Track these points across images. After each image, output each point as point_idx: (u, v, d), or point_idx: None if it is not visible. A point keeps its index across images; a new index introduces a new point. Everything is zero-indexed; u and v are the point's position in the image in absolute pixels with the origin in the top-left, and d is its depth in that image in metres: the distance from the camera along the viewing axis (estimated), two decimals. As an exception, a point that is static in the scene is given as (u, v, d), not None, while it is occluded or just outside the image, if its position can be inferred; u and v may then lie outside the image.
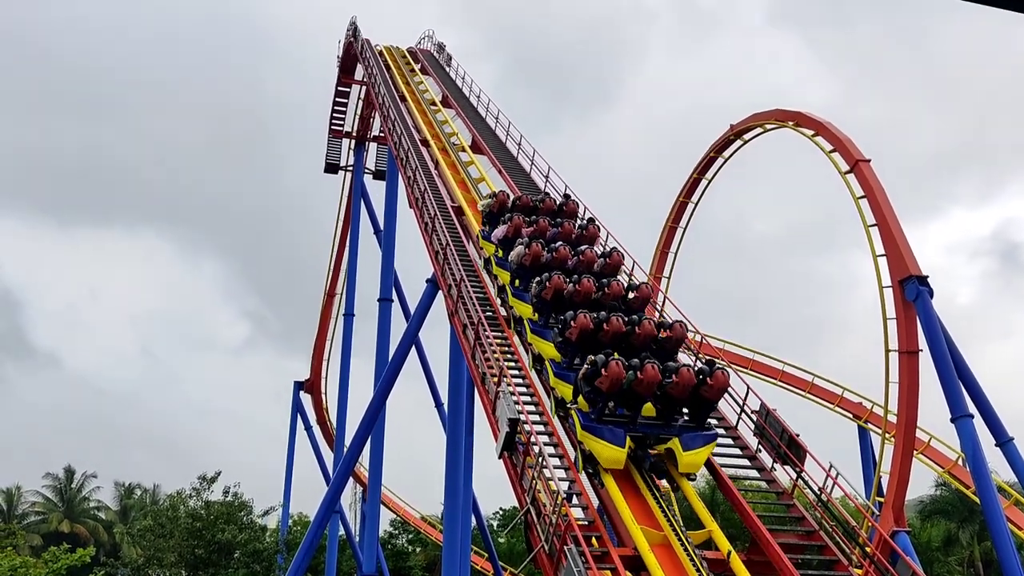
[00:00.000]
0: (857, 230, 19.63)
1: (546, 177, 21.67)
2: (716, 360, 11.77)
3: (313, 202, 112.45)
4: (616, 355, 10.82)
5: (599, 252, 14.81)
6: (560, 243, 14.59)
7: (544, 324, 13.23)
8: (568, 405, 11.58)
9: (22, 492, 51.98)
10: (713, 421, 11.79)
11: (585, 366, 11.12)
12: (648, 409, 11.13)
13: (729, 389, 11.55)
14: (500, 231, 15.84)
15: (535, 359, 13.32)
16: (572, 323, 11.89)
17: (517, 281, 14.67)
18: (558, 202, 17.01)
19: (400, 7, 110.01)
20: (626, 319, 11.84)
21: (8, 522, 45.57)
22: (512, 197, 17.35)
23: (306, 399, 43.69)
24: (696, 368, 11.09)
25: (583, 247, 14.64)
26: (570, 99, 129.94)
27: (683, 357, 12.61)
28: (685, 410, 11.22)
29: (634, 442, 10.85)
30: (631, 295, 13.33)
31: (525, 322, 13.83)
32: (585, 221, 16.24)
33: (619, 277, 14.25)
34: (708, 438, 11.06)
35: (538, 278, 13.51)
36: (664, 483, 11.12)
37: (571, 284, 13.02)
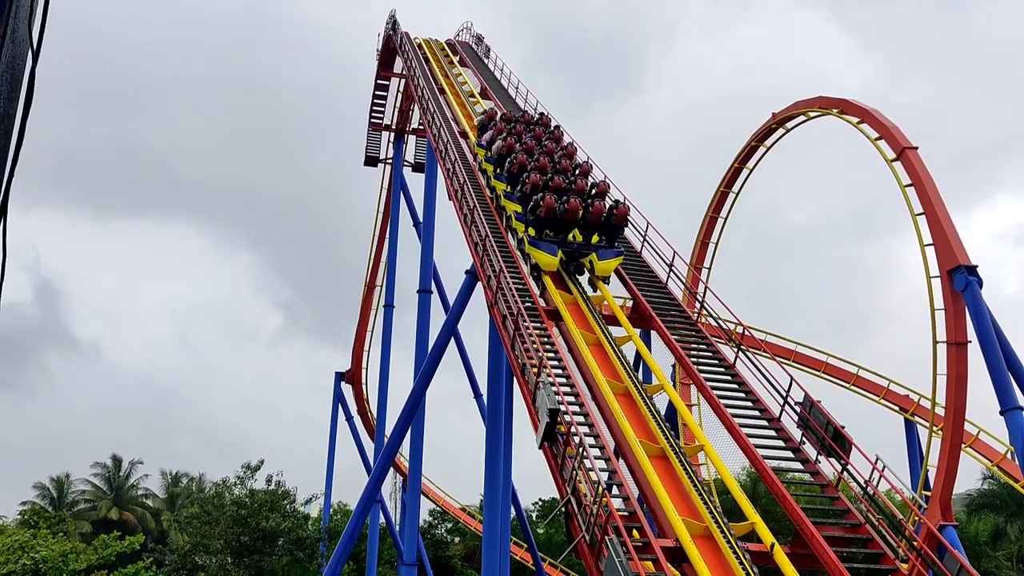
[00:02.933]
0: (895, 218, 19.54)
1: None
2: (620, 200, 16.81)
3: (343, 194, 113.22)
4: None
5: (559, 147, 19.46)
6: (528, 138, 19.42)
7: (511, 192, 18.12)
8: (520, 235, 16.80)
9: (71, 480, 53.10)
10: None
11: (531, 202, 16.38)
12: (576, 235, 16.33)
13: (629, 220, 16.87)
14: (487, 135, 20.54)
15: (507, 219, 18.14)
16: (527, 181, 17.10)
17: (498, 169, 19.25)
18: (535, 117, 21.78)
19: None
20: (567, 180, 16.93)
21: (58, 509, 46.68)
22: (499, 112, 22.36)
23: (347, 390, 44.11)
24: (608, 205, 16.32)
25: (546, 142, 19.45)
26: (597, 84, 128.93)
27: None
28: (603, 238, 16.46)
29: (564, 255, 16.08)
30: (577, 171, 17.93)
31: (500, 193, 18.74)
32: (552, 127, 20.84)
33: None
34: (616, 253, 16.45)
35: (509, 159, 18.52)
36: (698, 472, 11.12)
37: (532, 162, 17.87)
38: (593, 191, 16.95)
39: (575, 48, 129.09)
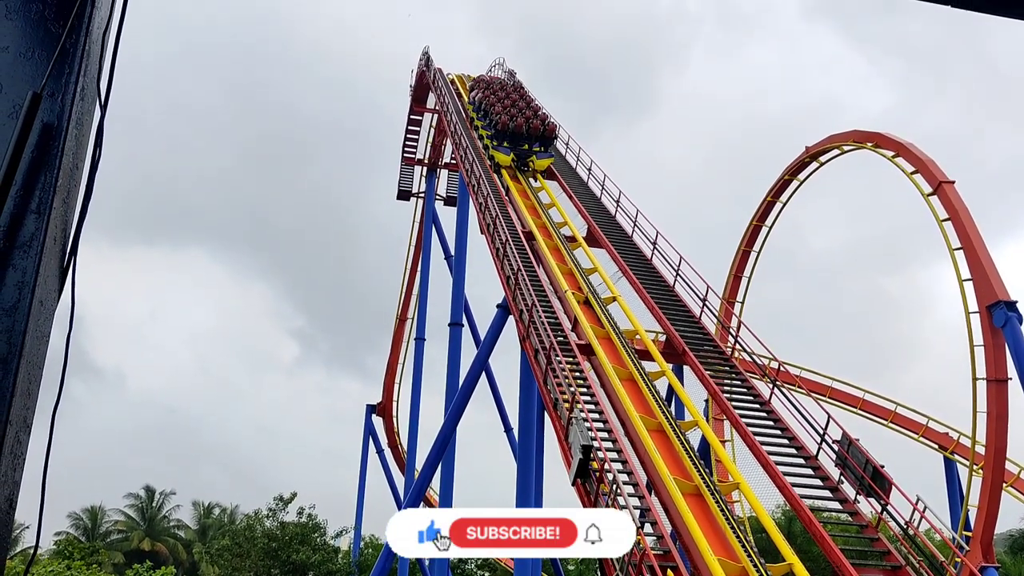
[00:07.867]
0: (921, 249, 19.30)
1: (617, 202, 21.82)
2: (551, 121, 25.83)
3: (358, 225, 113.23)
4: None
5: (522, 99, 27.31)
6: (502, 94, 27.27)
7: (486, 124, 25.93)
8: (488, 145, 24.92)
9: (105, 511, 53.35)
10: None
11: (493, 121, 25.17)
12: (526, 146, 24.61)
13: (557, 134, 26.11)
14: (474, 93, 28.83)
15: (480, 139, 25.95)
16: (493, 112, 25.58)
17: (480, 114, 26.90)
18: (511, 84, 29.81)
19: (427, 12, 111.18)
20: (519, 113, 25.39)
21: (92, 539, 46.96)
22: (485, 80, 31.12)
23: (377, 422, 44.07)
24: (543, 124, 25.37)
25: (512, 94, 27.41)
26: (607, 106, 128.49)
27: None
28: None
29: (515, 156, 24.34)
30: (528, 110, 26.06)
31: (480, 126, 26.45)
32: (522, 87, 28.94)
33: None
34: (549, 155, 24.91)
35: (485, 103, 26.77)
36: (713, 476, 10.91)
37: (500, 103, 26.27)
38: (535, 119, 25.44)
39: (583, 71, 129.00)
